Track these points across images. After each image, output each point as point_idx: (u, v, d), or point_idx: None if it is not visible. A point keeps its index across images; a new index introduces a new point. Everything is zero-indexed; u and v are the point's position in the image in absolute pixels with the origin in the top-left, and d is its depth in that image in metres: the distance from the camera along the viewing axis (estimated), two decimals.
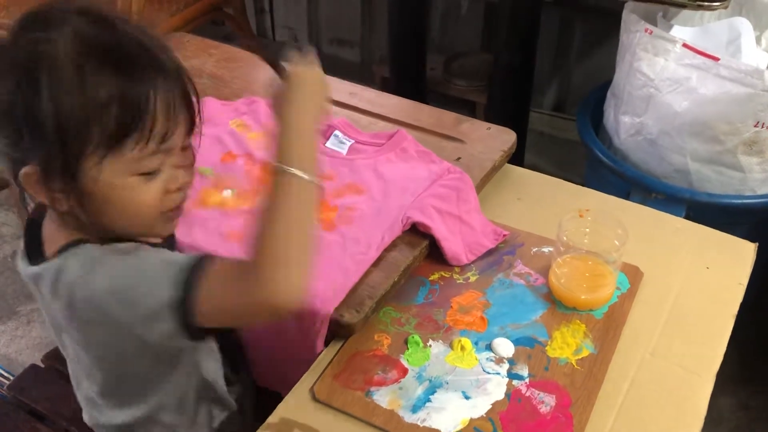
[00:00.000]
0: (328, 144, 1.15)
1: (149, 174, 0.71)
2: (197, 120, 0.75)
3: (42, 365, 1.32)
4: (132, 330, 0.71)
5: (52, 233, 0.77)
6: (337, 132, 1.17)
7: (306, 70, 0.77)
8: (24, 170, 0.69)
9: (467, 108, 2.18)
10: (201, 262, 0.70)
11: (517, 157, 1.22)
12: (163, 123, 0.70)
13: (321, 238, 0.99)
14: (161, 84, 0.69)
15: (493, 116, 1.98)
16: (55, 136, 0.66)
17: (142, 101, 0.68)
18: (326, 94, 0.78)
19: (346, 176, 1.10)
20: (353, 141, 1.16)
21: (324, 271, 0.93)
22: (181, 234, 0.98)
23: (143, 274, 0.71)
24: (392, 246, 0.99)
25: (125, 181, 0.71)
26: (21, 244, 0.81)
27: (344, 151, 1.14)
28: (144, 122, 0.68)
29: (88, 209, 0.71)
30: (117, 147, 0.68)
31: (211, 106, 1.23)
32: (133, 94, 0.67)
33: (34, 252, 0.77)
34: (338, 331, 0.91)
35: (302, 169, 0.69)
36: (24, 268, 0.79)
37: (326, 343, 0.91)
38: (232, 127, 1.19)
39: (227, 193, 1.06)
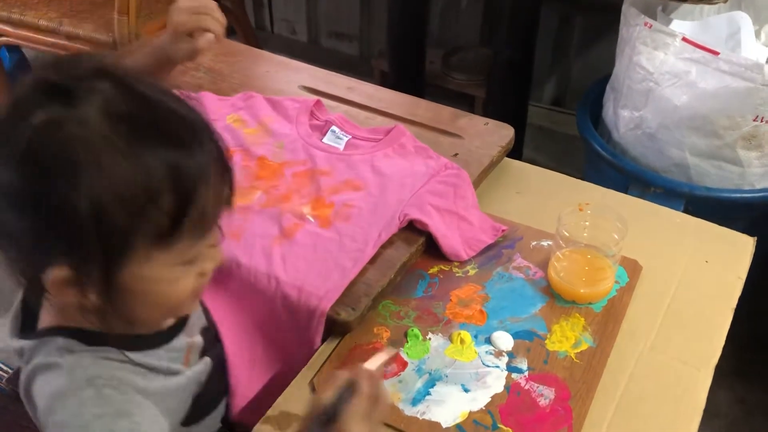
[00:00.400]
0: (325, 139, 1.15)
1: (191, 260, 0.64)
2: (233, 191, 0.66)
3: None
4: None
5: (47, 304, 0.69)
6: (334, 127, 1.16)
7: None
8: (52, 274, 0.59)
9: (466, 102, 2.18)
10: None
11: (515, 152, 1.22)
12: (214, 204, 0.62)
13: (317, 234, 0.99)
14: (206, 158, 0.61)
15: (492, 110, 1.98)
16: (96, 234, 0.56)
17: (194, 183, 0.59)
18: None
19: (343, 172, 1.09)
20: (350, 136, 1.16)
21: (320, 269, 0.93)
22: None
23: None
24: (389, 243, 0.99)
25: (171, 272, 0.63)
26: (16, 305, 0.72)
27: (341, 147, 1.14)
28: (198, 208, 0.60)
29: (120, 306, 0.63)
30: (169, 240, 0.60)
31: (207, 101, 1.23)
32: (184, 176, 0.58)
33: (28, 321, 0.69)
34: (335, 328, 0.91)
35: None
36: (10, 337, 0.70)
37: (323, 340, 0.91)
38: (229, 122, 1.18)
39: None
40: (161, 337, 0.72)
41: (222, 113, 1.20)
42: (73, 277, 0.59)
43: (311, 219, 1.01)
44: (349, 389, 0.65)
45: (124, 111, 0.58)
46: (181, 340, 0.75)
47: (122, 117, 0.57)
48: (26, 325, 0.70)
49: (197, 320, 0.81)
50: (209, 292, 0.85)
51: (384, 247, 0.98)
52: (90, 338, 0.66)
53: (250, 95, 1.24)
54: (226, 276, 0.93)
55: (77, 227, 0.56)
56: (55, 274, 0.59)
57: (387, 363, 0.73)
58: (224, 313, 0.92)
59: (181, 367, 0.75)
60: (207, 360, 0.80)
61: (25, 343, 0.67)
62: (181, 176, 0.59)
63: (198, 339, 0.79)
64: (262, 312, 0.93)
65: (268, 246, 0.96)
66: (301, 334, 0.91)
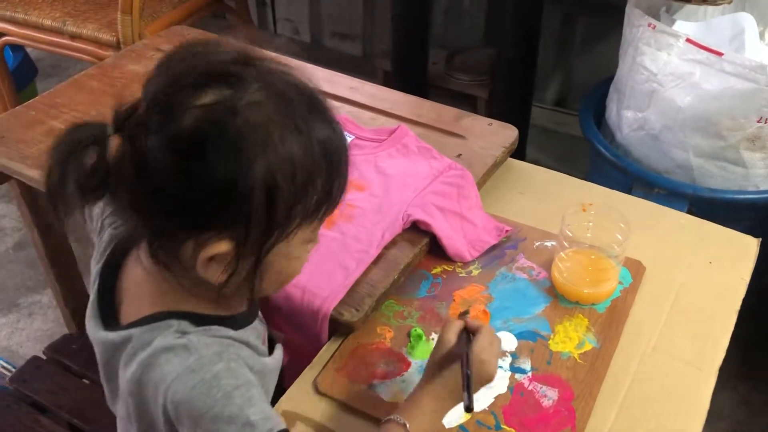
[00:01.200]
0: None
1: (314, 239, 0.68)
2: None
3: (44, 357, 1.32)
4: None
5: (135, 293, 0.70)
6: None
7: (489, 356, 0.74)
8: (215, 249, 0.61)
9: (469, 102, 2.18)
10: None
11: (519, 152, 1.22)
12: (346, 184, 0.66)
13: (321, 235, 0.98)
14: (343, 136, 0.65)
15: (495, 111, 1.98)
16: (266, 211, 0.60)
17: (343, 158, 0.64)
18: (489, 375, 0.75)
19: None
20: (354, 137, 1.16)
21: (324, 270, 0.93)
22: None
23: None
24: (392, 243, 0.99)
25: (302, 250, 0.66)
26: (92, 296, 0.72)
27: None
28: (341, 185, 0.65)
29: (256, 282, 0.65)
30: (315, 216, 0.64)
31: None
32: (335, 153, 0.63)
33: (107, 312, 0.70)
34: (338, 328, 0.91)
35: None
36: (95, 331, 0.71)
37: (328, 338, 0.91)
38: None
39: None
40: (247, 318, 0.74)
41: None
42: (231, 253, 0.61)
43: None
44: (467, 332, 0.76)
45: (283, 93, 0.61)
46: (257, 322, 0.77)
47: (283, 99, 0.61)
48: (108, 317, 0.70)
49: None
50: None
51: (388, 247, 0.98)
52: (198, 320, 0.67)
53: None
54: None
55: (250, 204, 0.59)
56: (220, 248, 0.61)
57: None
58: None
59: (265, 348, 0.76)
60: (280, 347, 0.80)
61: (132, 332, 0.66)
62: (333, 153, 0.63)
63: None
64: (265, 312, 0.93)
65: None
66: (305, 334, 0.91)
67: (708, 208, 1.41)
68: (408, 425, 0.70)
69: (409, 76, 2.12)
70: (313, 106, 0.63)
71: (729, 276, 0.99)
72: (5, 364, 1.52)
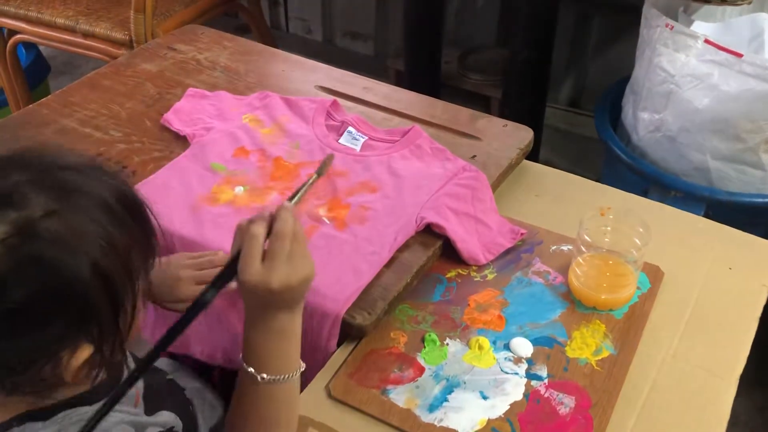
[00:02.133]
0: (342, 140, 1.14)
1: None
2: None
3: None
4: None
5: None
6: (350, 128, 1.15)
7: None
8: (80, 358, 0.58)
9: (482, 103, 2.16)
10: None
11: (533, 153, 1.21)
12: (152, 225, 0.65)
13: (333, 237, 0.98)
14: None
15: (508, 111, 1.96)
16: (107, 295, 0.57)
17: (142, 206, 0.63)
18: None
19: (359, 174, 1.08)
20: (367, 137, 1.14)
21: (335, 272, 0.92)
22: (191, 231, 0.98)
23: None
24: (405, 246, 0.98)
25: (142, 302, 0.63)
26: None
27: (358, 148, 1.13)
28: (152, 229, 0.64)
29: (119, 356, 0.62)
30: (148, 267, 0.62)
31: (224, 100, 1.22)
32: (133, 200, 0.62)
33: None
34: (350, 332, 0.90)
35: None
36: None
37: (339, 344, 0.90)
38: (245, 122, 1.18)
39: (239, 190, 1.05)
40: (107, 386, 0.67)
41: (238, 112, 1.19)
42: (94, 351, 0.59)
43: (327, 221, 1.00)
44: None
45: (64, 184, 0.58)
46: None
47: (67, 190, 0.58)
48: None
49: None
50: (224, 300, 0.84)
51: (400, 250, 0.97)
52: (46, 414, 0.62)
53: (266, 95, 1.23)
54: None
55: (91, 300, 0.56)
56: (82, 356, 0.58)
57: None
58: (236, 318, 0.91)
59: (138, 410, 0.70)
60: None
61: None
62: (133, 206, 0.61)
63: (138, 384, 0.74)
64: None
65: None
66: (314, 338, 0.90)
67: (725, 212, 1.39)
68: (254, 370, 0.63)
69: (421, 75, 2.11)
70: (90, 173, 0.60)
71: (749, 282, 0.98)
72: None
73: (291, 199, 0.64)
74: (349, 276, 0.92)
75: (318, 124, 1.16)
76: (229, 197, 1.04)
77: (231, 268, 0.63)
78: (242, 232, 0.63)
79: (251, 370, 0.63)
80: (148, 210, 0.63)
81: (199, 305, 0.62)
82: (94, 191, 0.59)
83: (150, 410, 0.70)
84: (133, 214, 0.61)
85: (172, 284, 0.83)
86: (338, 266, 0.93)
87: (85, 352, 0.58)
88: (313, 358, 0.89)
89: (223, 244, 0.95)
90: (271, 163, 1.10)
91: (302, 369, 0.66)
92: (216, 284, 0.62)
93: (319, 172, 0.68)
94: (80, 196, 0.58)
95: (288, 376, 0.64)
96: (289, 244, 0.61)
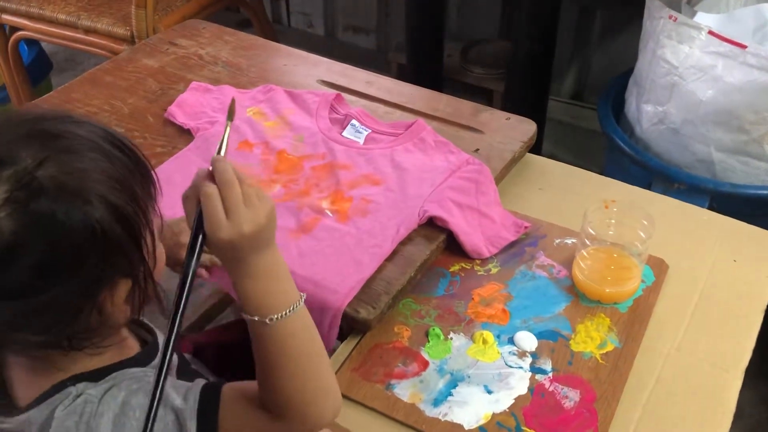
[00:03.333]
0: (345, 133, 1.14)
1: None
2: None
3: None
4: None
5: (24, 375, 0.65)
6: (354, 121, 1.15)
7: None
8: (118, 292, 0.61)
9: (484, 96, 2.15)
10: (209, 401, 0.63)
11: (535, 146, 1.20)
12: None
13: (335, 229, 0.97)
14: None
15: (510, 104, 1.95)
16: (126, 232, 0.60)
17: (138, 152, 0.65)
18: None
19: (363, 166, 1.08)
20: (370, 131, 1.14)
21: (337, 265, 0.92)
22: None
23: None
24: (409, 240, 0.97)
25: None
26: None
27: (361, 141, 1.13)
28: (149, 171, 0.65)
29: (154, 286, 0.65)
30: (153, 205, 0.64)
31: (228, 94, 1.22)
32: (132, 147, 0.64)
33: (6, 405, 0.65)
34: (354, 326, 0.89)
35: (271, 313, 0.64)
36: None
37: (343, 338, 0.90)
38: (249, 115, 1.18)
39: None
40: (146, 356, 0.70)
41: (242, 106, 1.19)
42: (132, 285, 0.62)
43: (329, 213, 1.00)
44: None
45: (59, 133, 0.60)
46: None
47: (63, 137, 0.60)
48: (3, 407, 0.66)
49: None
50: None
51: (404, 244, 0.97)
52: (96, 376, 0.65)
53: (270, 88, 1.23)
54: None
55: (112, 239, 0.58)
56: (121, 289, 0.61)
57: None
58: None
59: (181, 382, 0.72)
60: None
61: (30, 414, 0.63)
62: (134, 152, 0.64)
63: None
64: None
65: (285, 240, 0.95)
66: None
67: (729, 204, 1.39)
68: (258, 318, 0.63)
69: (423, 69, 2.10)
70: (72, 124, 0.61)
71: (754, 274, 0.97)
72: None
73: (218, 152, 0.65)
74: (351, 268, 0.92)
75: (321, 117, 1.16)
76: None
77: (198, 233, 0.63)
78: (193, 198, 0.63)
79: (257, 318, 0.63)
80: (136, 148, 0.64)
81: (184, 280, 0.62)
82: (79, 133, 0.60)
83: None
84: (122, 150, 0.62)
85: (176, 250, 0.84)
86: (340, 258, 0.93)
87: (123, 287, 0.61)
88: None
89: None
90: (275, 156, 1.10)
91: (303, 297, 0.66)
92: (191, 253, 0.62)
93: (230, 118, 0.68)
94: (66, 139, 0.59)
95: (294, 307, 0.65)
96: (239, 188, 0.62)
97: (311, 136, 1.13)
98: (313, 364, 0.66)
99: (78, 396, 0.63)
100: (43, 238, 0.56)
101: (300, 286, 0.88)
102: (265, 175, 1.06)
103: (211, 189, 0.61)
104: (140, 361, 0.68)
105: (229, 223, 0.61)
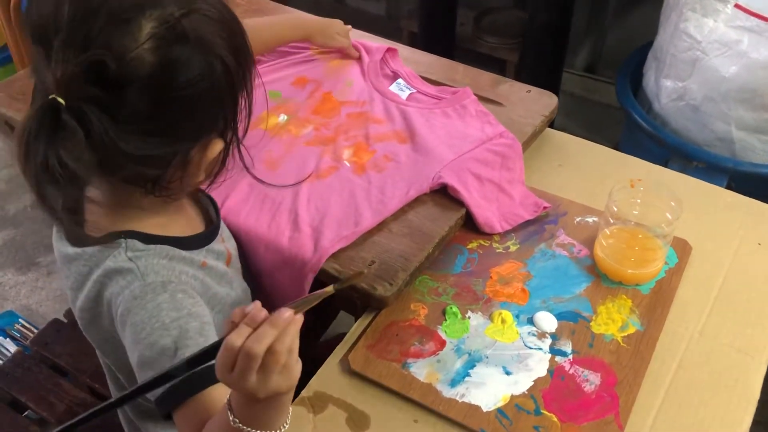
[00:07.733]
0: (391, 87, 1.15)
1: None
2: None
3: (65, 320, 1.30)
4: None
5: (99, 214, 0.72)
6: (399, 80, 1.16)
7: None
8: (212, 146, 0.69)
9: (497, 66, 2.11)
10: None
11: None
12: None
13: (348, 180, 0.98)
14: None
15: (524, 76, 1.91)
16: (229, 91, 0.67)
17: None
18: None
19: (396, 122, 1.08)
20: (415, 90, 1.15)
21: (339, 213, 0.93)
22: None
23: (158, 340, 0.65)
24: (427, 216, 0.95)
25: None
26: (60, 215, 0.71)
27: (404, 98, 1.13)
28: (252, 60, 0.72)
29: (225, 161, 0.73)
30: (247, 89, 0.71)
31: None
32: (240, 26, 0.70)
33: (74, 232, 0.72)
34: (371, 303, 0.87)
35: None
36: (61, 246, 0.74)
37: (360, 314, 0.88)
38: (312, 53, 1.20)
39: (282, 119, 1.08)
40: (203, 239, 0.78)
41: (303, 47, 1.21)
42: (223, 143, 0.70)
43: (347, 164, 1.01)
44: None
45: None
46: (218, 245, 0.81)
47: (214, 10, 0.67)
48: (70, 233, 0.74)
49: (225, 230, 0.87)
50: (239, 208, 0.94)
51: (421, 219, 0.94)
52: (147, 239, 0.71)
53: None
54: (253, 199, 0.95)
55: (222, 93, 0.67)
56: (214, 145, 0.69)
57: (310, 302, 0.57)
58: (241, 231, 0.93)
59: (228, 270, 0.80)
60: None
61: (87, 250, 0.71)
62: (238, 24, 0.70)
63: (232, 245, 0.86)
64: (273, 248, 0.92)
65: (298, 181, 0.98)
66: (295, 274, 0.90)
67: (749, 184, 1.36)
68: None
69: (435, 37, 2.06)
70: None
71: None
72: (26, 324, 1.51)
73: (296, 306, 0.56)
74: (351, 219, 0.93)
75: (373, 67, 1.17)
76: (272, 123, 1.06)
77: (210, 355, 0.56)
78: (238, 339, 0.54)
79: (244, 428, 0.59)
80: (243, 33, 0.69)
81: (161, 379, 0.58)
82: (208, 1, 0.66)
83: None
84: (239, 25, 0.69)
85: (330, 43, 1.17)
86: (344, 208, 0.94)
87: (217, 146, 0.69)
88: (290, 290, 0.90)
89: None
90: (321, 95, 1.12)
91: (287, 426, 0.61)
92: (191, 366, 0.57)
93: (337, 286, 0.59)
94: (199, 2, 0.65)
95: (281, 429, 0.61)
96: (285, 357, 0.55)
97: (359, 83, 1.15)
98: None
99: (128, 253, 0.69)
100: (174, 79, 0.62)
101: (299, 225, 0.92)
102: (303, 114, 1.09)
103: (260, 351, 0.53)
104: (182, 244, 0.74)
105: (255, 384, 0.55)
